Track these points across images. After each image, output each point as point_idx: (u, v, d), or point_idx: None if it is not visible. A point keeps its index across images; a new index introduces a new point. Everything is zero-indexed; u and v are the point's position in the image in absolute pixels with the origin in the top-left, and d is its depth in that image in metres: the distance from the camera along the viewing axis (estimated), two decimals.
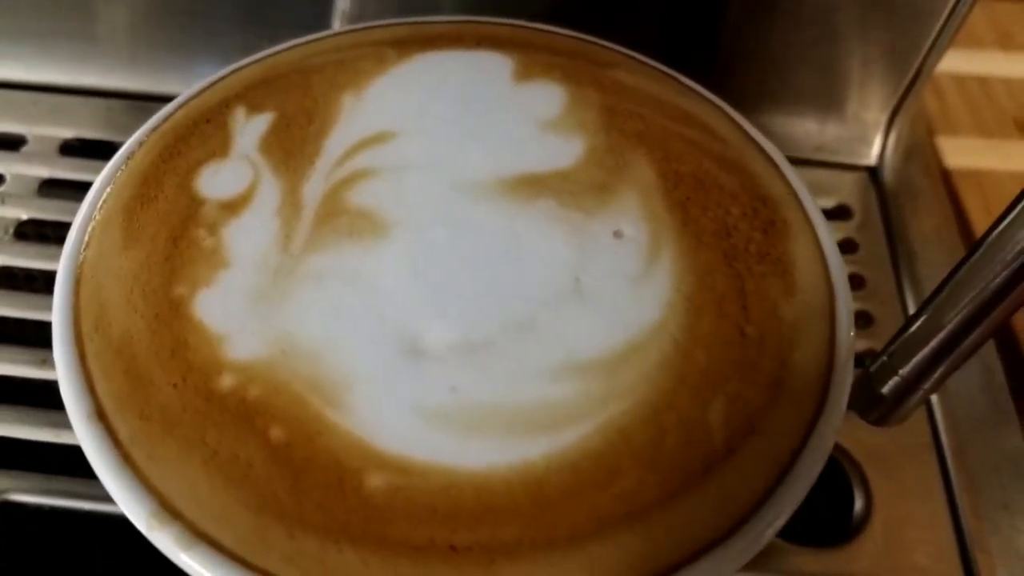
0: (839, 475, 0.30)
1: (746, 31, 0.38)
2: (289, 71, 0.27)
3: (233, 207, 0.23)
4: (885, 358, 0.22)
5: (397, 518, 0.18)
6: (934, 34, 0.36)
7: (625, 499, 0.18)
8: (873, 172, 0.40)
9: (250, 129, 0.25)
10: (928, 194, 0.40)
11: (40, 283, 0.33)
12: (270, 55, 0.27)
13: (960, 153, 0.49)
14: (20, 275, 0.33)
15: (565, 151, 0.25)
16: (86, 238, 0.23)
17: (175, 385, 0.19)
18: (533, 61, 0.27)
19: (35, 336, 0.31)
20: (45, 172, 0.36)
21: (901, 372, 0.22)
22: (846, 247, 0.37)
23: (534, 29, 0.29)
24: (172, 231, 0.22)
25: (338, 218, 0.23)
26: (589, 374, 0.20)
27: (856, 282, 0.36)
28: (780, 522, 0.19)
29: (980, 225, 0.44)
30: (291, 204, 0.23)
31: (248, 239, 0.22)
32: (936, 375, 0.21)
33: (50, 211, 0.34)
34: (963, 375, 0.33)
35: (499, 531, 0.18)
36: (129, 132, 0.26)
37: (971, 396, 0.33)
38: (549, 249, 0.22)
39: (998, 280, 0.19)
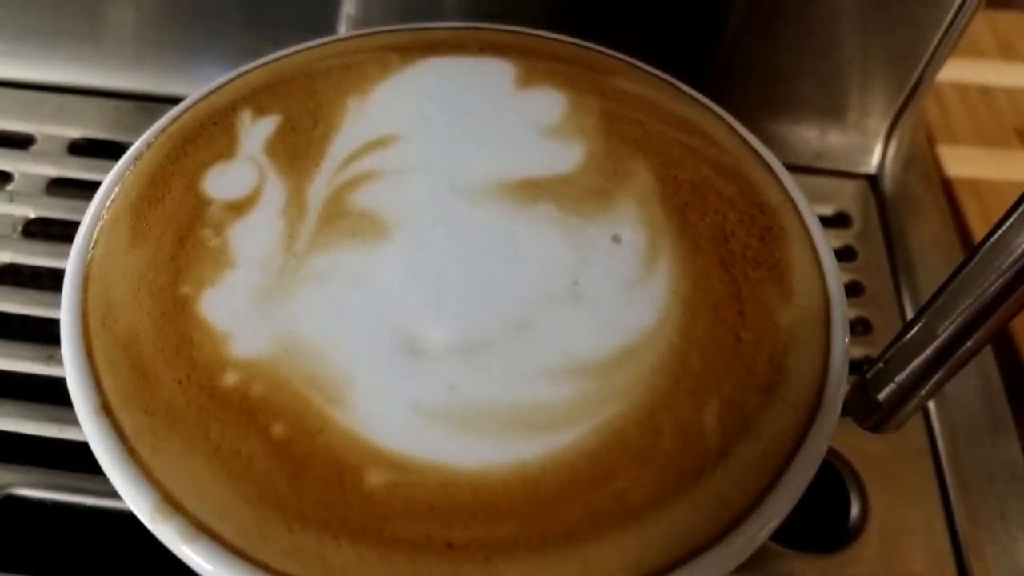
0: (836, 481, 0.30)
1: (748, 40, 0.38)
2: (295, 75, 0.27)
3: (239, 208, 0.23)
4: (881, 365, 0.22)
5: (395, 514, 0.18)
6: (934, 44, 0.37)
7: (620, 499, 0.18)
8: (873, 180, 0.40)
9: (256, 132, 0.25)
10: (928, 202, 0.40)
11: (46, 280, 0.33)
12: (276, 59, 0.28)
13: (961, 162, 0.49)
14: (27, 272, 0.34)
15: (565, 156, 0.25)
16: (95, 236, 0.23)
17: (179, 381, 0.20)
18: (534, 68, 0.27)
19: (40, 332, 0.31)
20: (53, 171, 0.36)
21: (897, 379, 0.22)
22: (846, 254, 0.38)
23: (535, 36, 0.29)
24: (179, 231, 0.23)
25: (341, 220, 0.23)
26: (586, 375, 0.20)
27: (855, 289, 0.36)
28: (774, 524, 0.19)
29: (979, 234, 0.44)
30: (295, 205, 0.23)
31: (253, 239, 0.23)
32: (932, 382, 0.22)
33: (57, 210, 0.35)
34: (961, 382, 0.33)
35: (495, 529, 0.18)
36: (135, 132, 0.26)
37: (968, 404, 0.33)
38: (548, 252, 0.23)
39: (993, 288, 0.19)
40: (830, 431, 0.20)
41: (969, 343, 0.20)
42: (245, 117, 0.26)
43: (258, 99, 0.26)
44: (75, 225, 0.24)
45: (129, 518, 0.27)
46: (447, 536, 0.18)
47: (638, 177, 0.25)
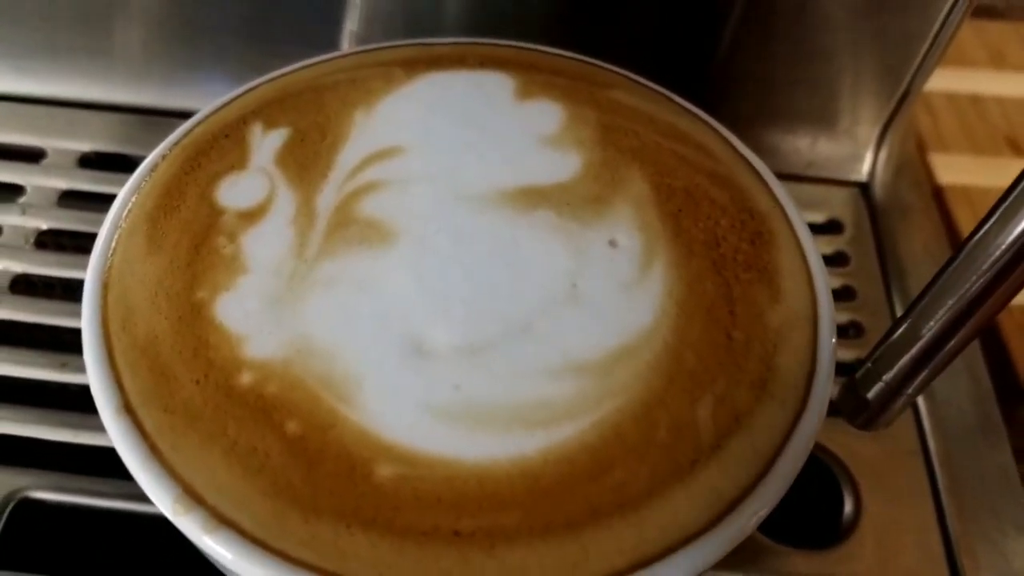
0: (830, 480, 0.31)
1: (741, 52, 0.38)
2: (303, 89, 0.28)
3: (251, 216, 0.24)
4: (870, 364, 0.23)
5: (405, 505, 0.19)
6: (922, 54, 0.37)
7: (618, 490, 0.19)
8: (864, 188, 0.41)
9: (267, 144, 0.26)
10: (918, 209, 0.40)
11: (58, 290, 0.34)
12: (284, 74, 0.28)
13: (952, 170, 0.49)
14: (39, 283, 0.34)
15: (563, 165, 0.26)
16: (113, 244, 0.24)
17: (197, 382, 0.20)
18: (533, 81, 0.28)
19: (52, 340, 0.32)
20: (64, 184, 0.37)
21: (885, 378, 0.22)
22: (837, 260, 0.38)
23: (534, 50, 0.30)
24: (194, 239, 0.23)
25: (349, 227, 0.24)
26: (585, 374, 0.21)
27: (848, 294, 0.37)
28: (764, 513, 0.20)
29: None
30: (305, 214, 0.24)
31: (265, 246, 0.23)
32: (919, 380, 0.22)
33: (69, 221, 0.35)
34: (951, 384, 0.33)
35: (499, 518, 0.19)
36: (143, 145, 0.26)
37: (959, 405, 0.33)
38: (547, 257, 0.23)
39: (975, 288, 0.20)
40: (818, 425, 0.21)
41: (953, 341, 0.21)
42: (256, 130, 0.26)
43: (268, 112, 0.27)
44: (86, 236, 0.24)
45: (142, 520, 0.28)
46: (454, 525, 0.18)
47: (634, 185, 0.25)
